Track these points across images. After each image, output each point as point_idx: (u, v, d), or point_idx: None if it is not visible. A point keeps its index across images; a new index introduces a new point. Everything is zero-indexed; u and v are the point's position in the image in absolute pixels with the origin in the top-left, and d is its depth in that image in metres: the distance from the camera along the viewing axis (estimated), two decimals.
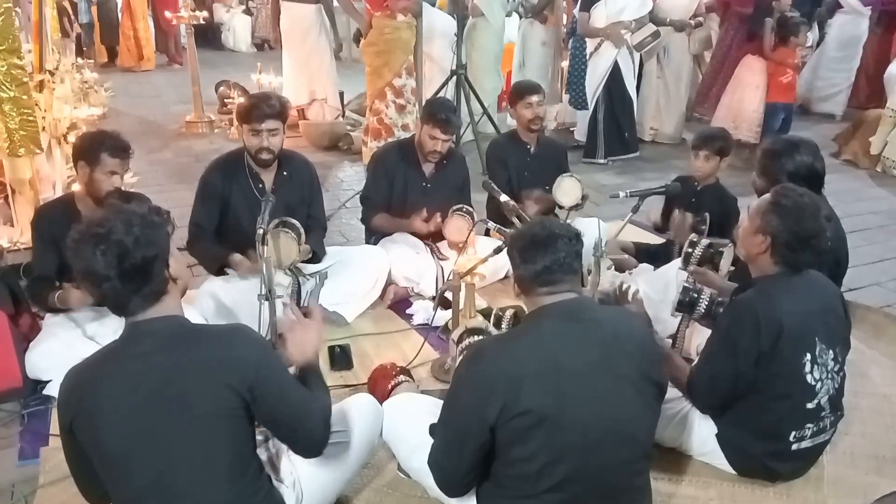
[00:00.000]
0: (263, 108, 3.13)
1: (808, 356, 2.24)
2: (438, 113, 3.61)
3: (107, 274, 1.64)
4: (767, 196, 2.32)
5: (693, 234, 3.12)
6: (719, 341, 2.31)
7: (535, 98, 3.89)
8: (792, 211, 2.22)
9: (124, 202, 1.91)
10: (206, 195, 3.29)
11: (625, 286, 2.90)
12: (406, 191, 3.77)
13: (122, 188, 2.94)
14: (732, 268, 2.98)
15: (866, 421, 2.75)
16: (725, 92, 6.66)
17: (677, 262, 3.13)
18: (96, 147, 2.82)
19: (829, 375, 2.29)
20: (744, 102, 6.39)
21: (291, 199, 3.32)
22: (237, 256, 3.19)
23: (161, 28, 11.55)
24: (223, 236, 3.33)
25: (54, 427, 2.62)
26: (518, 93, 3.95)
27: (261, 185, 3.29)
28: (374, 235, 3.87)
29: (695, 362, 2.45)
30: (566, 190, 3.73)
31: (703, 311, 2.58)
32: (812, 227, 2.21)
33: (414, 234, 3.77)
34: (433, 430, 2.04)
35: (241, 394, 1.69)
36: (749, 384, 2.25)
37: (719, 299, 2.57)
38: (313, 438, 1.88)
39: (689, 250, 2.98)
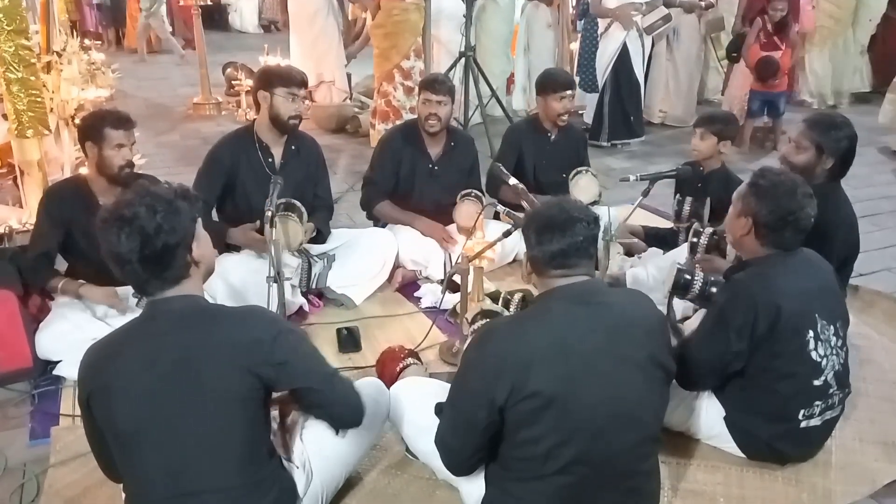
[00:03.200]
0: (301, 73, 3.28)
1: (811, 333, 2.25)
2: (427, 79, 3.77)
3: (128, 258, 1.67)
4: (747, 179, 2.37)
5: (697, 224, 3.10)
6: (713, 321, 2.32)
7: (569, 92, 3.84)
8: (769, 191, 2.26)
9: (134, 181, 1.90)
10: (211, 169, 3.30)
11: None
12: (413, 173, 3.75)
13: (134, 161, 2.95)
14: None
15: (874, 407, 2.73)
16: None
17: (686, 246, 3.12)
18: (98, 123, 2.83)
19: (834, 351, 2.30)
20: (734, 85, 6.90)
21: (299, 176, 3.33)
22: (240, 236, 3.20)
23: (175, 13, 11.51)
24: (230, 212, 3.34)
25: (65, 407, 2.66)
26: (551, 85, 3.85)
27: (270, 160, 3.30)
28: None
29: (685, 340, 2.45)
30: (583, 187, 3.71)
31: (696, 292, 2.58)
32: (789, 205, 2.23)
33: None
34: (439, 409, 2.04)
35: (259, 374, 1.70)
36: (740, 365, 2.26)
37: (712, 279, 2.57)
38: (350, 404, 1.94)
39: (695, 240, 2.97)
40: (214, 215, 3.37)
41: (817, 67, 7.95)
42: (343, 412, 1.96)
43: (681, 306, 2.90)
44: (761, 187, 2.28)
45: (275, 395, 1.88)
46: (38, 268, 2.93)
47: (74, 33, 7.09)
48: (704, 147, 3.57)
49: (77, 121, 4.26)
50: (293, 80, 3.21)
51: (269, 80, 3.24)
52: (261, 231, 3.06)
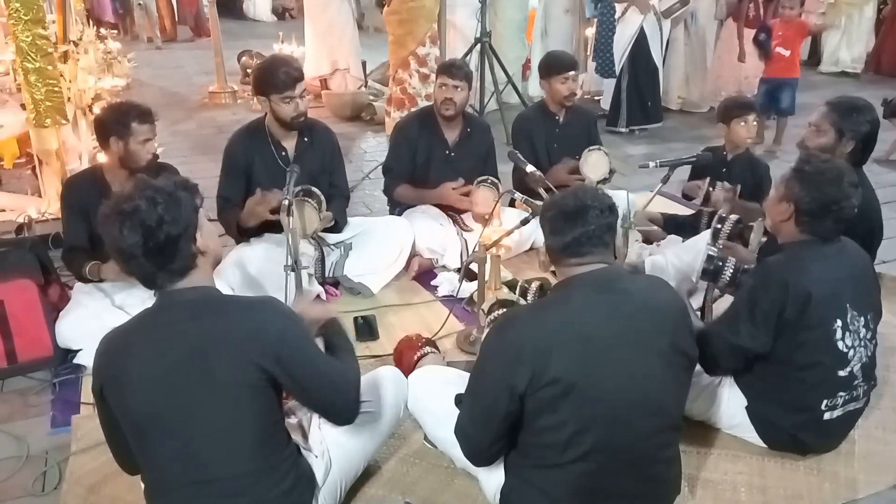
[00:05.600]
0: (291, 73, 3.12)
1: (839, 322, 2.21)
2: (444, 63, 3.74)
3: (133, 252, 1.66)
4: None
5: (721, 210, 3.06)
6: (743, 302, 2.29)
7: (571, 73, 3.82)
8: (813, 177, 2.21)
9: (156, 173, 1.89)
10: (230, 167, 3.29)
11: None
12: (429, 160, 3.73)
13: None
14: (764, 238, 2.93)
15: None
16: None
17: (706, 233, 3.08)
18: (124, 118, 2.82)
19: (862, 343, 2.27)
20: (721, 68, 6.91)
21: (313, 167, 3.31)
22: (251, 202, 3.14)
23: (181, 2, 11.50)
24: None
25: (85, 395, 2.68)
26: (554, 67, 3.83)
27: (283, 153, 3.28)
28: (398, 207, 3.84)
29: (712, 322, 2.43)
30: (593, 164, 3.68)
31: (727, 279, 2.55)
32: (833, 193, 2.18)
33: (439, 205, 3.74)
34: (459, 400, 2.04)
35: (265, 366, 1.70)
36: (767, 349, 2.23)
37: (744, 267, 2.54)
38: (344, 409, 1.90)
39: (718, 226, 2.93)
40: None
41: (834, 38, 8.76)
42: (336, 414, 1.91)
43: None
44: (806, 173, 2.23)
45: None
46: (75, 260, 2.94)
47: (90, 22, 7.12)
48: (755, 132, 3.61)
49: (95, 110, 4.29)
50: (285, 86, 3.09)
51: (261, 87, 3.17)
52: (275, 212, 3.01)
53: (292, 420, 2.05)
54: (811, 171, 2.23)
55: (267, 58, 3.62)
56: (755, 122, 3.53)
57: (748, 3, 6.47)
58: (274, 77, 3.10)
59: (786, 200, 2.27)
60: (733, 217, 2.92)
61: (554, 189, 3.18)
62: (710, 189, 3.43)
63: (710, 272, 2.57)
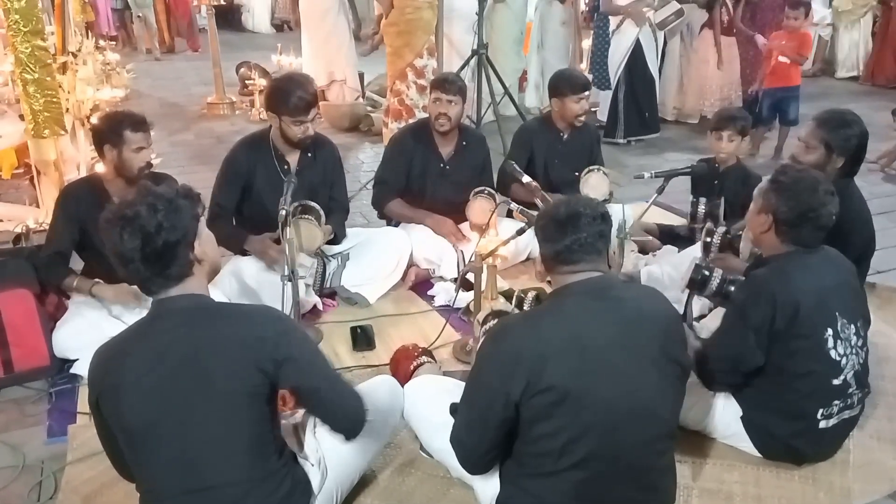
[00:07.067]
0: (306, 98, 3.10)
1: (830, 331, 2.23)
2: (438, 78, 3.76)
3: (131, 257, 1.68)
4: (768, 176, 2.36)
5: (709, 223, 3.08)
6: (734, 318, 2.31)
7: (587, 94, 3.84)
8: (789, 187, 2.26)
9: (155, 183, 1.91)
10: (229, 175, 3.29)
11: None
12: (424, 173, 3.74)
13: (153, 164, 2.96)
14: (757, 250, 2.94)
15: (893, 405, 2.70)
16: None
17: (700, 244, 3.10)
18: (117, 126, 2.83)
19: (854, 350, 2.28)
20: (704, 77, 6.78)
21: (314, 180, 3.32)
22: (256, 244, 3.18)
23: (174, 13, 11.52)
24: (246, 216, 3.34)
25: (81, 405, 2.68)
26: (570, 87, 3.79)
27: (286, 167, 3.29)
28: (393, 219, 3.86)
29: (707, 339, 2.44)
30: (593, 185, 3.68)
31: (714, 289, 2.57)
32: (810, 201, 2.22)
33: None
34: (454, 409, 2.04)
35: (264, 369, 1.71)
36: (759, 363, 2.25)
37: (731, 277, 2.56)
38: (350, 410, 1.91)
39: (708, 239, 2.95)
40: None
41: (845, 43, 9.37)
42: (342, 417, 1.92)
43: (698, 304, 2.88)
44: (782, 184, 2.27)
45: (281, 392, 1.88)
46: (53, 266, 2.94)
47: (89, 34, 7.15)
48: (733, 148, 3.56)
49: (93, 121, 4.31)
50: (298, 111, 3.10)
51: (275, 106, 3.17)
52: (279, 241, 3.01)
53: (288, 427, 2.06)
54: (787, 181, 2.27)
55: (283, 76, 3.55)
56: (733, 137, 3.52)
57: (720, 10, 6.48)
58: (288, 100, 3.09)
59: (764, 212, 2.31)
60: (721, 228, 2.95)
61: (549, 198, 3.19)
62: (699, 207, 3.46)
63: (698, 282, 2.59)
